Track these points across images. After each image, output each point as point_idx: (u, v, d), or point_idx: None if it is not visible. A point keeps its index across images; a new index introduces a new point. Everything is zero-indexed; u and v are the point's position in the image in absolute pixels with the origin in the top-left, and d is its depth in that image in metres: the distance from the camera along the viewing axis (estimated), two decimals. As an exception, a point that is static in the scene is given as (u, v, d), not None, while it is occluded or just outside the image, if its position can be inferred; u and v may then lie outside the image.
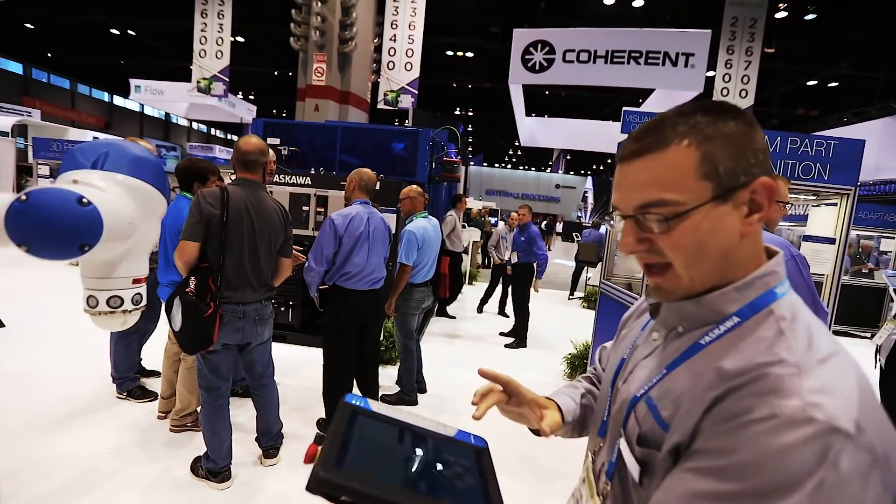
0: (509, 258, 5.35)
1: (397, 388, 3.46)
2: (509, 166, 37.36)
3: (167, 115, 27.44)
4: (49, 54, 20.16)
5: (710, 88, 9.10)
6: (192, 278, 2.02)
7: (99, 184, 0.68)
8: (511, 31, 8.27)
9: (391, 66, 10.33)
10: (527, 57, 8.13)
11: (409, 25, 10.15)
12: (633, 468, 0.59)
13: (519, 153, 33.91)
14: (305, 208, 4.25)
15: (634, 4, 9.50)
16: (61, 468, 2.28)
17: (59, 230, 0.59)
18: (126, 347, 3.02)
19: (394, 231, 3.44)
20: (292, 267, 2.42)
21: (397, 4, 10.09)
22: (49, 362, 3.48)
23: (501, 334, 5.45)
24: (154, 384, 3.16)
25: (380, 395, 3.33)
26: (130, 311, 0.81)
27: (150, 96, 14.15)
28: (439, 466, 0.51)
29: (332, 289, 2.85)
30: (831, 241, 3.01)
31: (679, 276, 0.58)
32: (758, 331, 0.53)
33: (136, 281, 0.82)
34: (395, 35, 10.27)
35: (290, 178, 4.27)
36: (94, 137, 11.71)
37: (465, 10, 11.50)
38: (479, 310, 6.53)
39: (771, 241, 1.87)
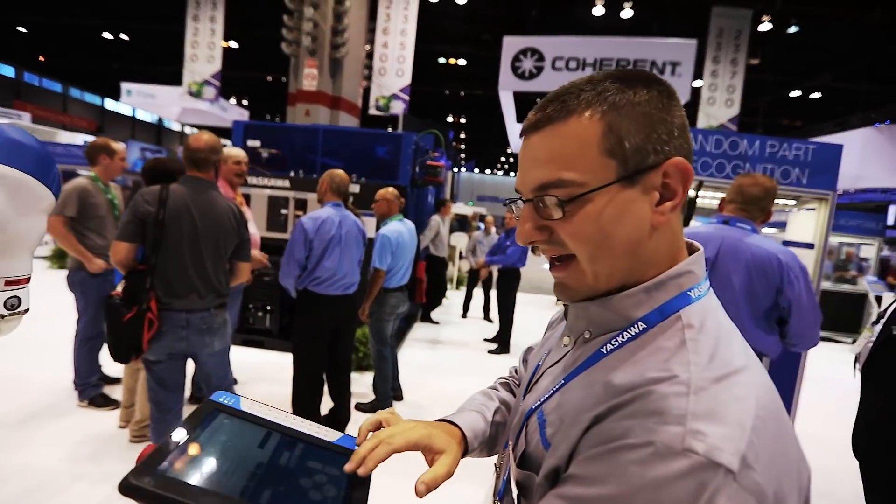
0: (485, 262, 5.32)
1: (373, 396, 3.37)
2: (501, 172, 37.52)
3: (160, 119, 27.34)
4: (41, 58, 20.05)
5: (697, 97, 9.18)
6: (123, 281, 1.90)
7: None
8: (502, 40, 8.31)
9: (383, 72, 10.36)
10: (516, 64, 8.16)
11: (401, 32, 10.20)
12: (514, 491, 0.53)
13: (511, 159, 34.05)
14: (284, 211, 4.18)
15: (623, 15, 9.57)
16: (14, 479, 2.18)
17: None
18: (89, 352, 2.93)
19: (370, 235, 3.38)
20: (252, 270, 2.30)
21: (389, 11, 10.14)
22: (14, 366, 3.37)
23: (486, 340, 5.39)
24: (118, 391, 3.06)
25: (353, 402, 3.24)
26: (4, 318, 0.73)
27: (142, 100, 14.05)
28: (297, 475, 0.45)
29: (304, 294, 2.78)
30: (810, 246, 2.98)
31: (583, 270, 0.51)
32: (660, 340, 0.46)
33: (10, 283, 0.73)
34: (386, 42, 10.30)
35: (269, 181, 4.21)
36: (84, 141, 11.61)
37: (458, 18, 11.55)
38: (464, 315, 6.47)
39: (783, 252, 1.83)
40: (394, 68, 10.28)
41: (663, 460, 0.36)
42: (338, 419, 3.00)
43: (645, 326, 0.48)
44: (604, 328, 0.52)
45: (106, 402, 2.92)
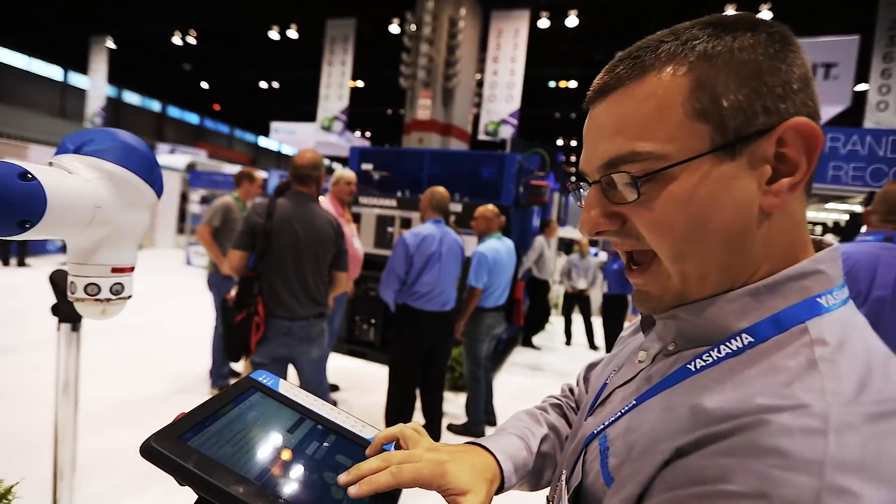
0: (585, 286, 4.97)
1: (466, 419, 3.31)
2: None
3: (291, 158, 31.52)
4: (216, 107, 24.53)
5: (862, 103, 7.68)
6: (237, 286, 2.09)
7: (70, 166, 0.70)
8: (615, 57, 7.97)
9: (492, 98, 10.61)
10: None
11: (511, 59, 10.38)
12: None
13: (629, 184, 32.00)
14: (390, 229, 4.42)
15: (761, 17, 8.55)
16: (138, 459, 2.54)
17: None
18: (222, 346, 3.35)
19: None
20: (350, 282, 2.40)
21: (500, 41, 10.42)
22: (167, 353, 4.01)
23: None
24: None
25: (446, 423, 3.20)
26: (110, 301, 0.80)
27: (285, 136, 16.29)
28: (322, 468, 0.42)
29: (402, 308, 2.84)
30: None
31: (666, 272, 0.40)
32: (775, 358, 0.34)
33: (116, 270, 0.80)
34: (496, 69, 10.56)
35: (378, 201, 4.50)
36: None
37: (568, 40, 11.41)
38: (568, 342, 6.11)
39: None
40: (503, 94, 10.47)
41: None
42: (429, 436, 2.99)
43: (751, 340, 0.36)
44: (694, 341, 0.41)
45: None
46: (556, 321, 7.25)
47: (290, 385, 0.52)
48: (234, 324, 2.02)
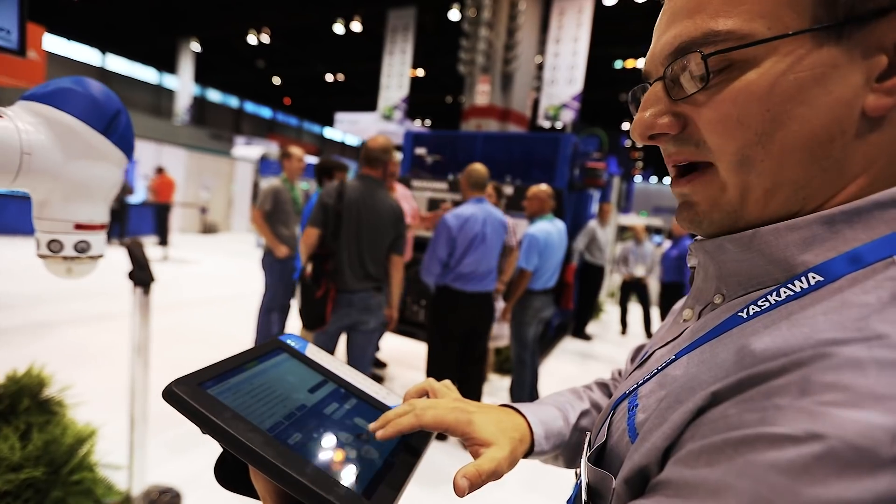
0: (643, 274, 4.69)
1: (510, 401, 3.28)
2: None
3: (362, 141, 32.52)
4: (286, 101, 25.92)
5: None
6: (310, 263, 2.22)
7: (11, 111, 0.66)
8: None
9: (553, 81, 10.26)
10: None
11: (574, 39, 9.96)
12: (584, 497, 0.39)
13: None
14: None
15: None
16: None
17: None
18: (267, 320, 3.53)
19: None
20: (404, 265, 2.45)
21: (562, 20, 10.02)
22: (223, 324, 4.34)
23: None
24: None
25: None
26: (75, 259, 0.75)
27: (348, 126, 16.88)
28: (338, 428, 0.42)
29: (442, 290, 2.80)
30: None
31: (721, 183, 0.33)
32: (849, 293, 0.27)
33: (80, 227, 0.75)
34: (558, 51, 10.18)
35: (430, 184, 4.53)
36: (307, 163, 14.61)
37: (637, 17, 10.71)
38: (623, 331, 5.84)
39: None
40: (564, 77, 10.09)
41: (845, 472, 0.20)
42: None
43: (820, 280, 0.29)
44: (746, 283, 0.34)
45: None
46: (611, 310, 6.95)
47: (317, 349, 0.53)
48: (314, 299, 2.17)
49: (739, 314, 0.32)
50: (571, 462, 0.55)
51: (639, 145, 0.35)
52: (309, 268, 2.23)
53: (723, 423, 0.26)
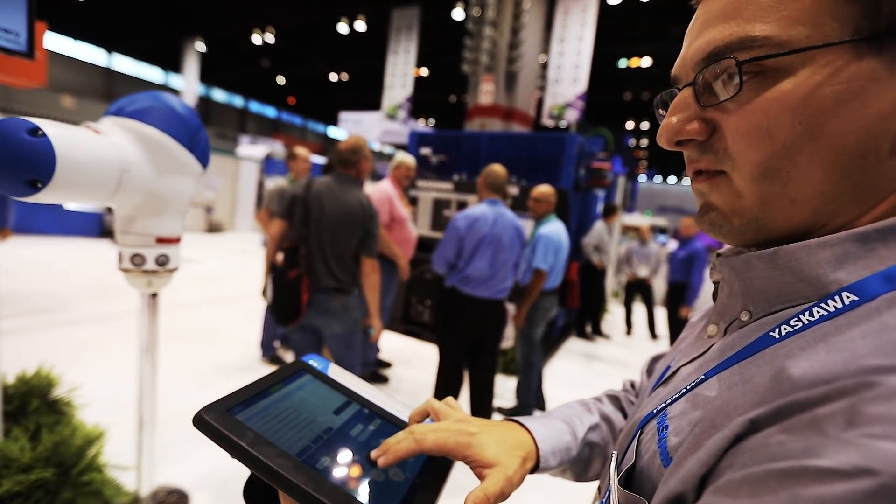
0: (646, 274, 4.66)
1: (516, 402, 3.27)
2: (687, 181, 32.83)
3: (366, 140, 32.65)
4: (291, 100, 25.98)
5: None
6: (281, 253, 2.15)
7: (104, 127, 0.66)
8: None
9: (557, 81, 10.23)
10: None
11: (578, 38, 9.93)
12: None
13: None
14: (447, 212, 4.44)
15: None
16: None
17: (1, 159, 0.53)
18: (271, 320, 3.54)
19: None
20: (377, 270, 2.27)
21: (567, 18, 9.99)
22: (236, 327, 4.36)
23: (653, 365, 4.73)
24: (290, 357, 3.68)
25: (495, 406, 3.19)
26: (156, 273, 0.78)
27: (352, 125, 16.91)
28: (365, 449, 0.42)
29: (450, 292, 2.71)
30: None
31: (735, 191, 0.33)
32: (888, 315, 0.27)
33: (161, 241, 0.77)
34: (562, 50, 10.16)
35: (435, 184, 4.53)
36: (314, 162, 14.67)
37: (641, 15, 10.67)
38: (628, 332, 5.83)
39: None
40: (569, 76, 10.06)
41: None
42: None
43: (855, 299, 0.28)
44: (774, 301, 0.33)
45: (279, 362, 3.53)
46: (615, 311, 6.94)
47: (339, 369, 0.53)
48: (287, 281, 2.07)
49: (771, 334, 0.32)
50: (580, 476, 0.54)
51: (666, 149, 0.35)
52: (280, 256, 2.15)
53: (764, 453, 0.25)
